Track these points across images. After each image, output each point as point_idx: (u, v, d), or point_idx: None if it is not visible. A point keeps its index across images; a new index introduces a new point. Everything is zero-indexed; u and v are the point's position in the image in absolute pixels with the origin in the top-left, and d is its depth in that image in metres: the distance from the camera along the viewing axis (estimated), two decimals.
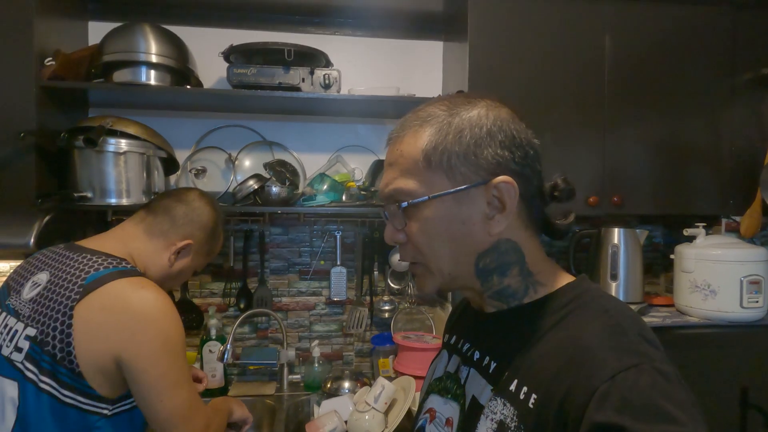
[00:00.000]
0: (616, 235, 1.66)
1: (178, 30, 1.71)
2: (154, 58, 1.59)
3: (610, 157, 1.71)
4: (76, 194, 1.51)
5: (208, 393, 1.77)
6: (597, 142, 1.71)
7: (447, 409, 0.71)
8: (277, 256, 1.92)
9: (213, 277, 1.89)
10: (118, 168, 1.57)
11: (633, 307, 1.61)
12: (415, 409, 1.57)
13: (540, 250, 0.69)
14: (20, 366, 0.95)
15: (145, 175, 1.63)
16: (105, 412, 0.98)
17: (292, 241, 1.93)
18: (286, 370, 1.84)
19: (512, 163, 0.64)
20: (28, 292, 1.00)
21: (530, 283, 0.67)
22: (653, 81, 1.72)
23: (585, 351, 0.56)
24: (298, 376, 1.85)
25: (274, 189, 1.66)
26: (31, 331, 0.96)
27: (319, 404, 1.65)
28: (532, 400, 0.58)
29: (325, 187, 1.69)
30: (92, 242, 1.09)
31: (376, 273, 1.93)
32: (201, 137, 1.88)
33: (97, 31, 1.76)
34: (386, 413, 1.55)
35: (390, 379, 1.58)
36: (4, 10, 1.43)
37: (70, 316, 0.95)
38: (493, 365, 0.66)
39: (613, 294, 1.63)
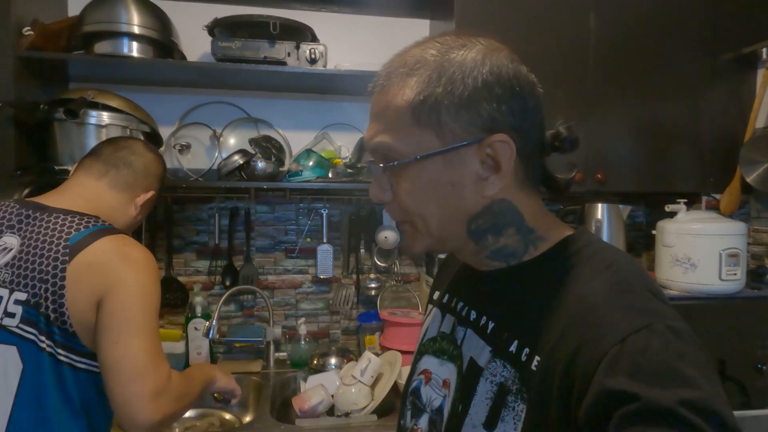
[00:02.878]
0: (600, 210, 1.68)
1: (162, 3, 1.68)
2: (136, 29, 1.56)
3: (593, 135, 1.73)
4: (56, 167, 1.48)
5: None
6: (581, 120, 1.72)
7: (443, 370, 0.68)
8: (263, 234, 1.91)
9: (198, 255, 1.88)
10: (98, 142, 1.55)
11: None
12: (401, 382, 1.59)
13: (539, 205, 0.64)
14: (17, 330, 0.93)
15: None
16: (97, 370, 0.98)
17: (278, 219, 1.92)
18: (272, 347, 1.84)
19: (510, 117, 0.58)
20: (3, 256, 0.98)
21: (530, 241, 0.62)
22: (636, 60, 1.74)
23: (591, 310, 0.52)
24: (285, 354, 1.85)
25: (260, 164, 1.65)
26: (21, 296, 0.94)
27: (305, 380, 1.65)
28: (535, 363, 0.54)
29: (311, 162, 1.68)
30: (53, 200, 1.07)
31: (362, 251, 1.93)
32: (185, 113, 1.85)
33: (76, 2, 1.71)
34: (372, 387, 1.57)
35: (376, 356, 1.59)
36: None
37: (62, 278, 0.94)
38: (491, 325, 0.63)
39: None
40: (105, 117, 1.55)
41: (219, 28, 1.67)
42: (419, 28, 1.96)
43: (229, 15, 1.62)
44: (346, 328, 1.98)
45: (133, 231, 1.25)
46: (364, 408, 1.49)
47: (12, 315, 0.93)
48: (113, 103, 1.56)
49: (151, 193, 1.19)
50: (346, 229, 1.92)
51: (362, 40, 1.93)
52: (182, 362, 1.77)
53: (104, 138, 1.55)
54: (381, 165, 0.60)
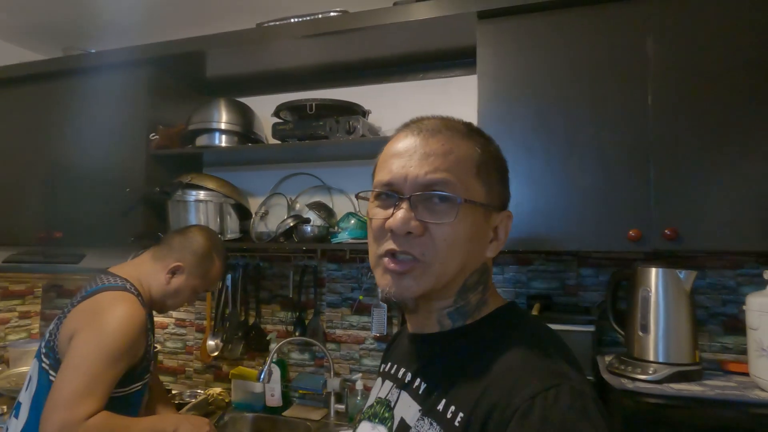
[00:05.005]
0: (653, 276, 1.32)
1: (260, 99, 2.11)
2: (223, 126, 1.99)
3: (658, 180, 1.40)
4: (160, 234, 1.95)
5: (269, 410, 2.01)
6: (640, 162, 1.42)
7: None
8: (332, 290, 2.08)
9: (282, 306, 2.15)
10: (197, 214, 1.98)
11: (675, 368, 1.25)
12: None
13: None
14: (41, 350, 1.31)
15: (219, 219, 2.00)
16: None
17: (345, 277, 2.07)
18: (333, 398, 1.95)
19: (508, 202, 0.73)
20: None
21: (482, 303, 0.71)
22: (709, 82, 1.37)
23: (509, 371, 0.59)
24: (343, 406, 1.94)
25: (308, 228, 1.85)
26: (52, 326, 1.32)
27: None
28: (458, 419, 0.60)
29: (351, 223, 1.80)
30: (118, 268, 1.42)
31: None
32: (276, 184, 2.19)
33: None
34: None
35: None
36: (126, 99, 2.00)
37: (65, 316, 1.28)
38: (423, 386, 0.68)
39: (651, 353, 1.31)
40: (201, 194, 1.98)
41: (284, 112, 1.98)
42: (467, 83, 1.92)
43: (284, 102, 1.92)
44: None
45: (180, 302, 1.48)
46: None
47: (44, 339, 1.31)
48: (206, 184, 1.99)
49: (177, 264, 1.44)
50: None
51: (419, 103, 1.99)
52: (261, 401, 2.03)
53: (201, 210, 2.00)
54: (454, 197, 0.64)
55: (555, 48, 1.52)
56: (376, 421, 0.73)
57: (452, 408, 0.61)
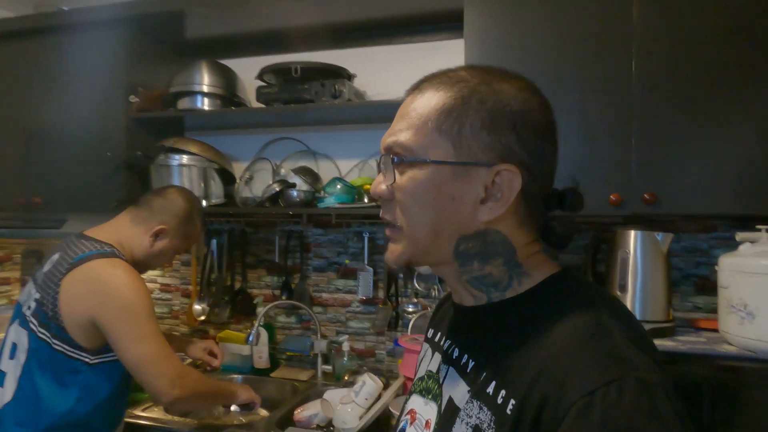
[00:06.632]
0: (632, 239, 1.37)
1: (243, 61, 2.06)
2: (206, 88, 1.95)
3: (640, 145, 1.43)
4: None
5: (256, 372, 2.04)
6: (623, 128, 1.45)
7: (427, 410, 0.69)
8: (318, 255, 2.10)
9: (267, 271, 2.17)
10: (181, 178, 1.96)
11: (650, 325, 1.32)
12: (393, 410, 1.57)
13: (535, 246, 0.65)
14: (29, 319, 1.31)
15: (202, 184, 1.99)
16: (86, 360, 1.28)
17: (331, 242, 2.08)
18: (320, 359, 2.00)
19: (524, 154, 0.60)
20: (46, 267, 1.38)
21: (515, 275, 0.63)
22: (693, 49, 1.39)
23: (563, 355, 0.52)
24: (330, 367, 1.98)
25: (294, 192, 1.85)
26: (38, 295, 1.31)
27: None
28: (510, 406, 0.54)
29: (337, 188, 1.81)
30: (95, 231, 1.42)
31: (401, 275, 1.95)
32: (260, 149, 2.17)
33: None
34: (370, 409, 1.59)
35: (374, 379, 1.60)
36: (104, 59, 1.94)
37: (58, 285, 1.28)
38: (471, 364, 0.64)
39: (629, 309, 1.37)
40: (184, 159, 1.96)
41: (268, 75, 1.94)
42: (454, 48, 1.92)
43: (269, 64, 1.88)
44: (391, 350, 2.01)
45: (164, 261, 1.54)
46: (351, 428, 1.53)
47: (30, 308, 1.31)
48: (189, 148, 1.96)
49: (161, 227, 1.44)
50: None
51: (405, 67, 1.98)
52: (248, 364, 2.06)
53: (185, 175, 1.98)
54: (391, 157, 0.62)
55: (541, 13, 1.52)
56: (429, 397, 0.70)
57: (503, 392, 0.56)
